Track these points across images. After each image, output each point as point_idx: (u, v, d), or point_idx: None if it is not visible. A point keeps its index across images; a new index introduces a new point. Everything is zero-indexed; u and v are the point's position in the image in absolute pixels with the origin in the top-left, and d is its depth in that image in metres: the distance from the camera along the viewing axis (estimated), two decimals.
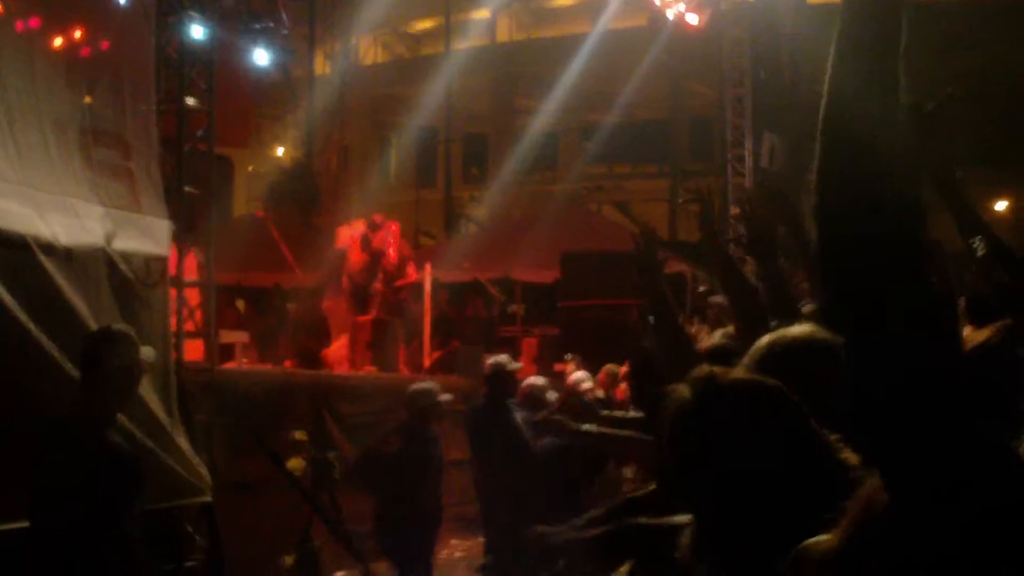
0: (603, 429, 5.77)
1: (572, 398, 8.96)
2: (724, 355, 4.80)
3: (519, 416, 8.77)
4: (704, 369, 2.15)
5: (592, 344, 16.19)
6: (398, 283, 15.19)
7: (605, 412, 6.78)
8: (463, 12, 31.78)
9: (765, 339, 2.70)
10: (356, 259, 15.18)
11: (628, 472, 8.47)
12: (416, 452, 8.69)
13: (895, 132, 1.64)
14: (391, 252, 15.21)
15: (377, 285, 15.06)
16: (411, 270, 15.68)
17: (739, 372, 2.25)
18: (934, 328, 1.58)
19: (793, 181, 26.98)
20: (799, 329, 2.67)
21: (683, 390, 2.13)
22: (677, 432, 2.11)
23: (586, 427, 5.79)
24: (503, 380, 9.23)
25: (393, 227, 15.65)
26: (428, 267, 16.93)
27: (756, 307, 4.02)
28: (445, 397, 9.00)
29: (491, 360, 9.53)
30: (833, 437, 2.06)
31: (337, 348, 15.52)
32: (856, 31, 1.70)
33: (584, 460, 8.01)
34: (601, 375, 12.22)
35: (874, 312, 1.57)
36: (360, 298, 15.11)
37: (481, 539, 9.38)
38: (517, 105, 34.03)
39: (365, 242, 15.25)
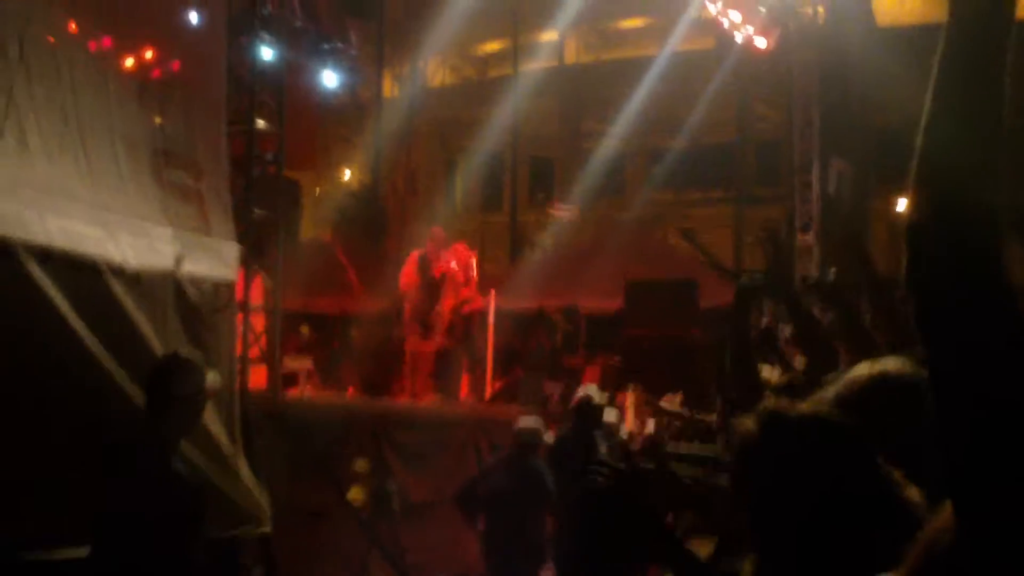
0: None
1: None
2: (791, 393, 4.76)
3: (604, 448, 8.82)
4: (770, 402, 2.17)
5: (652, 373, 16.08)
6: (465, 309, 15.03)
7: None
8: (531, 33, 31.80)
9: (849, 373, 2.71)
10: (410, 281, 14.96)
11: None
12: (521, 486, 8.68)
13: (994, 180, 1.59)
14: (457, 272, 15.00)
15: (442, 309, 14.90)
16: (476, 295, 15.54)
17: (805, 406, 2.23)
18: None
19: (859, 208, 26.78)
20: (884, 364, 2.68)
21: (748, 423, 2.14)
22: (740, 465, 2.13)
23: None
24: (590, 413, 9.24)
25: (459, 247, 15.44)
26: (493, 293, 16.86)
27: (822, 340, 4.01)
28: (548, 437, 9.09)
29: (580, 392, 9.63)
30: (898, 474, 2.06)
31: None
32: (959, 62, 1.62)
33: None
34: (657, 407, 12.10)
35: (974, 361, 1.54)
36: (422, 323, 14.95)
37: None
38: (584, 128, 33.96)
39: (423, 263, 15.07)
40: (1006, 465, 1.50)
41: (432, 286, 14.71)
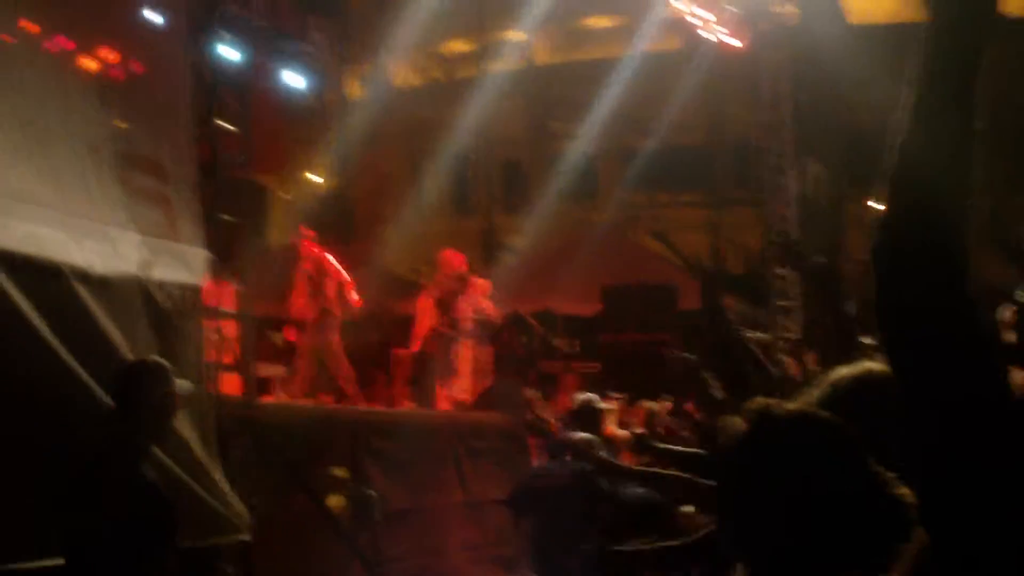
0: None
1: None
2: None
3: (603, 454, 8.93)
4: (759, 401, 2.18)
5: (631, 379, 16.11)
6: (452, 315, 14.92)
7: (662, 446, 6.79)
8: (498, 33, 31.82)
9: (832, 374, 2.80)
10: (428, 324, 14.78)
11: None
12: (574, 486, 8.81)
13: (966, 180, 1.75)
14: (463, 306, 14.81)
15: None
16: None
17: (795, 405, 2.25)
18: (984, 365, 1.72)
19: (834, 211, 26.93)
20: (867, 364, 2.76)
21: (738, 422, 2.16)
22: (730, 464, 2.15)
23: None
24: (591, 417, 9.34)
25: (480, 283, 15.25)
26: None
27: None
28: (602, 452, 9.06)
29: (580, 396, 9.77)
30: (891, 474, 2.07)
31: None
32: (937, 68, 1.77)
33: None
34: (639, 412, 12.13)
35: (928, 350, 1.72)
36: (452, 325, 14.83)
37: None
38: (553, 129, 34.03)
39: (443, 307, 14.87)
40: (963, 465, 1.63)
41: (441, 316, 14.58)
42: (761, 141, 22.54)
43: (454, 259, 15.04)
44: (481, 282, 15.51)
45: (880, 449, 2.06)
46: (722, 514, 2.13)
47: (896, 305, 1.78)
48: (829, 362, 6.02)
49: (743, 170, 32.23)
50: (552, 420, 14.03)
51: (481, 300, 15.21)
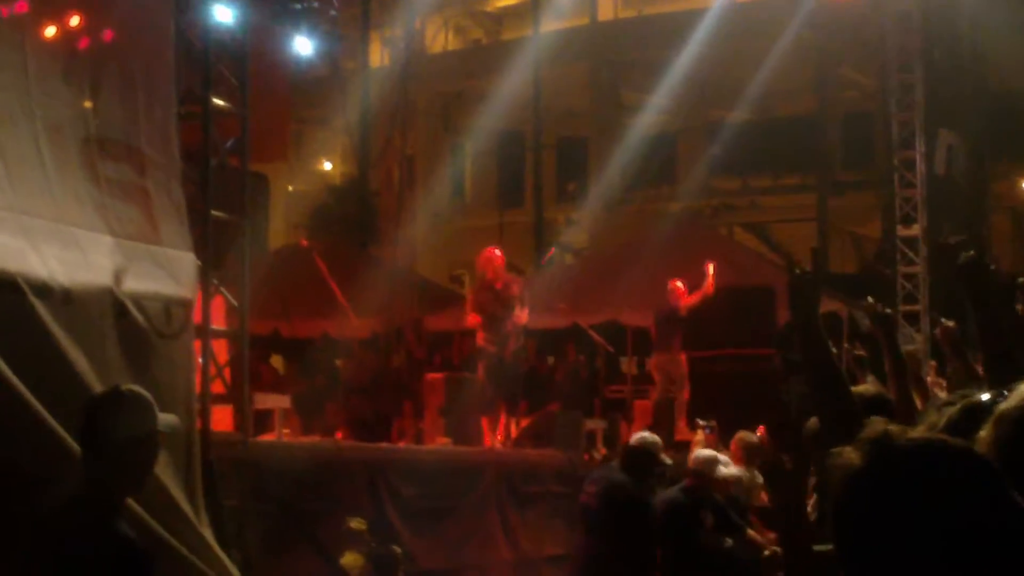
0: None
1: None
2: (882, 406, 4.89)
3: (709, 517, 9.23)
4: (878, 427, 2.16)
5: (725, 405, 16.07)
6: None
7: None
8: None
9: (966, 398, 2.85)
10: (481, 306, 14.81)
11: None
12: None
13: None
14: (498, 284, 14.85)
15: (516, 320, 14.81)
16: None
17: (919, 432, 2.26)
18: None
19: (975, 193, 26.73)
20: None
21: (852, 454, 2.14)
22: (845, 506, 2.13)
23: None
24: (647, 462, 9.65)
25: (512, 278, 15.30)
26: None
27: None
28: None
29: (637, 436, 10.16)
30: None
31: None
32: None
33: None
34: (733, 446, 12.13)
35: None
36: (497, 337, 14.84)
37: None
38: (623, 100, 34.00)
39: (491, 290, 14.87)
40: None
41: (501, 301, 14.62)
42: (882, 110, 22.44)
43: (491, 254, 15.03)
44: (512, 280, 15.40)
45: None
46: (840, 560, 2.12)
47: None
48: (960, 383, 6.14)
49: (859, 146, 32.15)
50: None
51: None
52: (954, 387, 6.15)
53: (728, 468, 10.50)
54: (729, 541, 9.74)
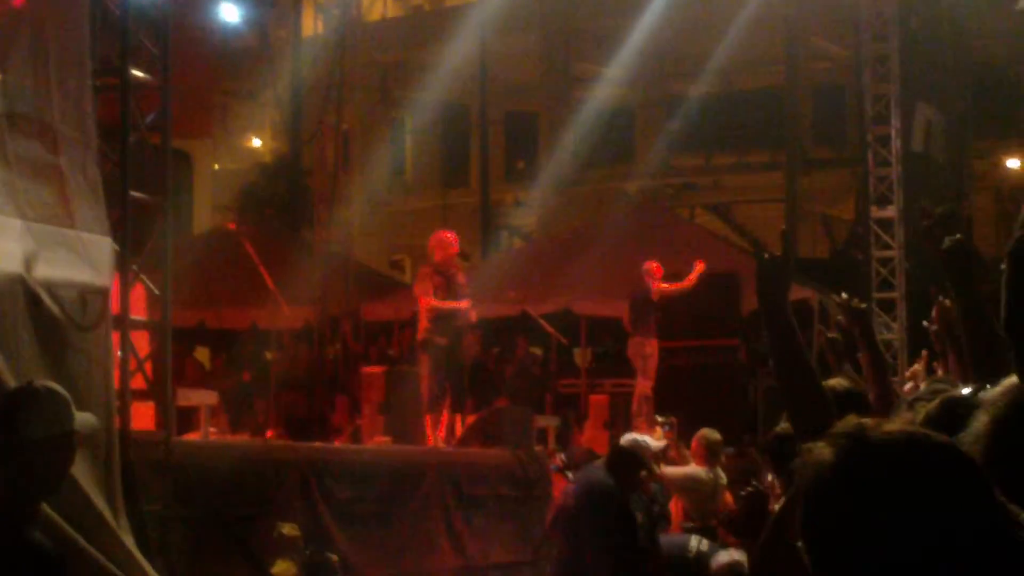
0: None
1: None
2: (854, 400, 4.97)
3: (640, 516, 9.26)
4: (851, 421, 2.16)
5: (685, 400, 16.16)
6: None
7: None
8: None
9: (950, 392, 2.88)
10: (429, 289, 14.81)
11: None
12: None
13: None
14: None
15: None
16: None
17: (896, 425, 2.23)
18: None
19: (955, 171, 26.96)
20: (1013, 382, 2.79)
21: (823, 450, 2.14)
22: (816, 504, 2.14)
23: None
24: (633, 466, 9.68)
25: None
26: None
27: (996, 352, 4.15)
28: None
29: (628, 437, 10.16)
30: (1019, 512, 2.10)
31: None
32: None
33: None
34: (695, 444, 12.19)
35: None
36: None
37: None
38: (576, 72, 34.06)
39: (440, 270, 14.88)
40: None
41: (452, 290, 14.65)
42: (855, 82, 22.57)
43: (448, 238, 15.02)
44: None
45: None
46: (809, 559, 2.13)
47: None
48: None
49: (830, 121, 32.34)
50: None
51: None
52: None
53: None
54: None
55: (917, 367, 10.52)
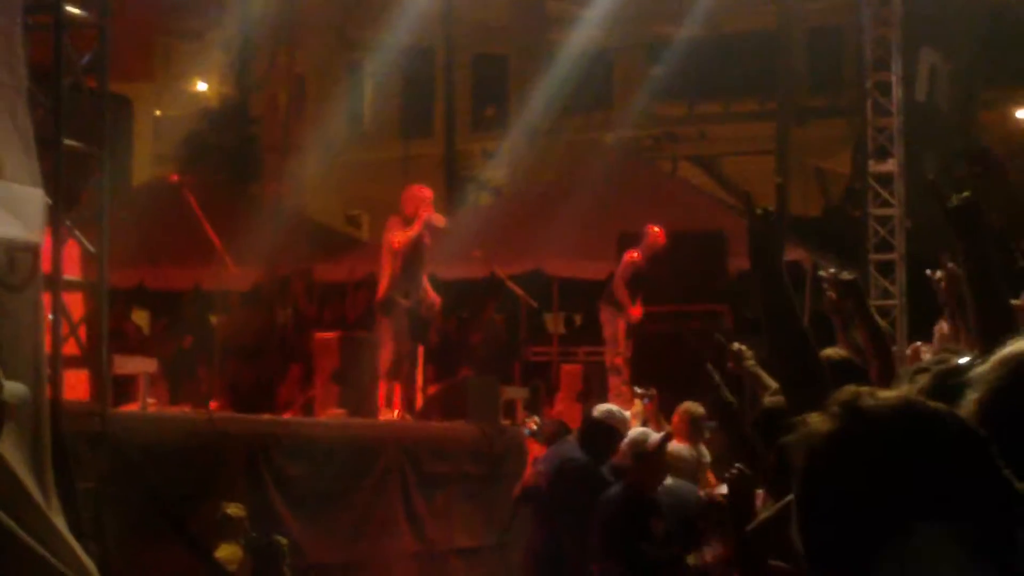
0: None
1: None
2: (852, 372, 5.00)
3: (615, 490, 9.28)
4: (847, 391, 2.20)
5: (666, 371, 16.18)
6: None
7: None
8: None
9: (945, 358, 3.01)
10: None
11: None
12: None
13: None
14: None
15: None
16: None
17: (894, 394, 2.28)
18: None
19: (961, 122, 27.03)
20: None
21: (819, 421, 2.18)
22: (811, 477, 2.17)
23: None
24: (608, 440, 9.77)
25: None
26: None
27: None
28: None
29: (602, 407, 10.30)
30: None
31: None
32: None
33: None
34: (676, 418, 12.21)
35: None
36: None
37: None
38: (550, 12, 34.03)
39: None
40: None
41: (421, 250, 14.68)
42: (853, 24, 22.58)
43: (424, 194, 15.00)
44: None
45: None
46: (803, 538, 2.17)
47: None
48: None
49: (826, 67, 32.38)
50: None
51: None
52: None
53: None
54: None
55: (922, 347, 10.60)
